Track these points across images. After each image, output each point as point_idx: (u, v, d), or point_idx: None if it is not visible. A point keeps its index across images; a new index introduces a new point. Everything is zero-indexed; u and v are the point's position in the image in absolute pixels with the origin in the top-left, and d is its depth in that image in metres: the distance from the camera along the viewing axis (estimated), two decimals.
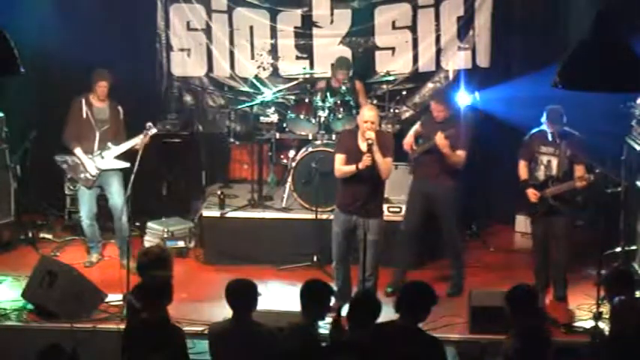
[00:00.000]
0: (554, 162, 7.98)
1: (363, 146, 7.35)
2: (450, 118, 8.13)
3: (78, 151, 8.61)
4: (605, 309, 7.54)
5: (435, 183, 8.12)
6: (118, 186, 8.60)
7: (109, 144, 8.59)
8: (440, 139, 7.90)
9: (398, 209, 8.88)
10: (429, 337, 5.62)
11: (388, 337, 5.55)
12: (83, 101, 8.64)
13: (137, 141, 8.49)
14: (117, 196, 8.58)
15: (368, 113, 7.42)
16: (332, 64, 9.77)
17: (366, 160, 7.29)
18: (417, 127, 8.39)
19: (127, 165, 8.46)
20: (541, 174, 8.04)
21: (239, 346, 5.63)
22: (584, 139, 8.03)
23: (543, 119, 8.03)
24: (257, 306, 5.77)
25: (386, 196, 8.75)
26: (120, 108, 8.78)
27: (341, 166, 7.51)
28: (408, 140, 8.34)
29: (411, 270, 8.38)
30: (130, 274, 7.68)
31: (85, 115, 8.61)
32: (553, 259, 8.13)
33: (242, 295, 5.74)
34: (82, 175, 8.63)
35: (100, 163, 8.59)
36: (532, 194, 7.99)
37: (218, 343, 5.77)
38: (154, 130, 8.57)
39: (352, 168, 7.40)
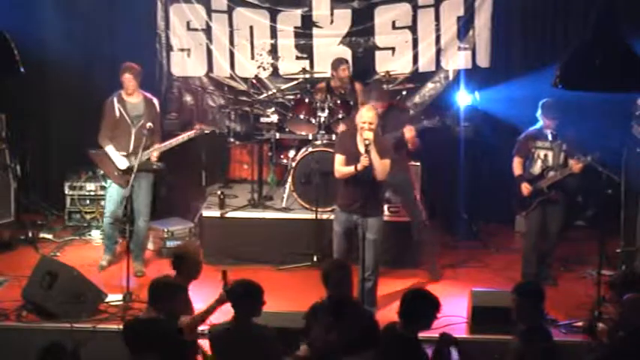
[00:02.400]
0: (550, 155, 8.14)
1: (362, 148, 7.36)
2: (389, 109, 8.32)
3: (109, 148, 8.42)
4: (605, 309, 7.57)
5: (392, 173, 8.01)
6: (147, 187, 8.46)
7: (150, 144, 8.36)
8: (409, 131, 8.09)
9: (398, 209, 8.90)
10: (424, 352, 5.61)
11: (386, 343, 5.55)
12: (115, 100, 8.45)
13: (180, 140, 8.45)
14: (142, 198, 8.45)
15: (366, 114, 7.42)
16: (331, 65, 9.77)
17: (364, 161, 7.29)
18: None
19: (160, 166, 8.43)
20: (537, 168, 8.19)
21: (240, 348, 5.62)
22: (578, 135, 8.16)
23: (538, 114, 8.09)
24: (261, 311, 5.76)
25: (387, 196, 8.80)
26: (155, 101, 8.61)
27: (340, 167, 7.52)
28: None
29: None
30: (131, 274, 7.79)
31: (118, 114, 8.42)
32: (543, 248, 8.32)
33: (244, 298, 5.73)
34: (117, 173, 8.47)
35: (133, 163, 8.30)
36: (525, 188, 8.14)
37: (218, 345, 5.76)
38: (203, 128, 8.63)
39: (351, 169, 7.40)
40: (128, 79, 8.45)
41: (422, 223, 8.59)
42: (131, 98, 8.49)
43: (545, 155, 8.18)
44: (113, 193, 8.57)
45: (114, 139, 8.45)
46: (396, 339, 5.53)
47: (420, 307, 5.60)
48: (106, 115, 8.47)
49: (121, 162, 8.41)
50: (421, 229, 8.59)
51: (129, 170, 8.29)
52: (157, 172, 8.48)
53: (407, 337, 5.52)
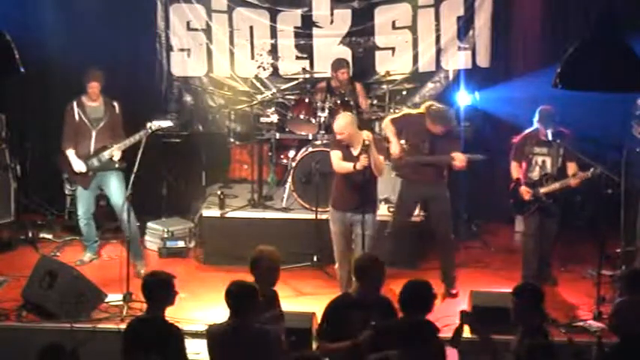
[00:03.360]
0: (549, 161, 8.12)
1: (355, 151, 7.40)
2: (448, 132, 8.11)
3: (69, 152, 8.60)
4: (605, 309, 7.58)
5: (432, 185, 8.16)
6: (117, 185, 8.55)
7: (110, 144, 8.52)
8: (461, 162, 7.97)
9: None
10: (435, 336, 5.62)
11: (394, 333, 5.56)
12: (75, 104, 8.61)
13: (137, 138, 8.40)
14: (116, 196, 8.55)
15: (336, 123, 7.56)
16: (332, 65, 9.78)
17: (363, 161, 7.31)
18: (398, 140, 8.19)
19: (124, 165, 8.45)
20: (536, 174, 8.18)
21: (237, 347, 5.61)
22: (576, 136, 8.15)
23: (535, 119, 8.09)
24: (256, 310, 5.74)
25: (386, 196, 8.80)
26: (115, 103, 8.71)
27: (340, 162, 7.55)
28: (396, 151, 8.18)
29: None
30: (131, 275, 7.78)
31: (77, 118, 8.59)
32: (541, 253, 8.30)
33: (242, 298, 5.71)
34: (79, 175, 8.62)
35: (96, 163, 8.55)
36: (525, 192, 8.11)
37: (216, 345, 5.76)
38: (157, 124, 8.49)
39: (350, 167, 7.43)
40: (95, 87, 8.60)
41: (447, 239, 8.32)
42: (91, 102, 8.64)
43: (544, 161, 8.16)
44: (82, 194, 8.74)
45: (77, 143, 8.59)
46: (403, 327, 5.53)
47: (416, 295, 5.68)
48: (66, 121, 8.65)
49: (78, 165, 8.58)
50: (445, 243, 8.34)
51: (87, 173, 8.55)
52: (121, 171, 8.54)
53: (413, 323, 5.53)
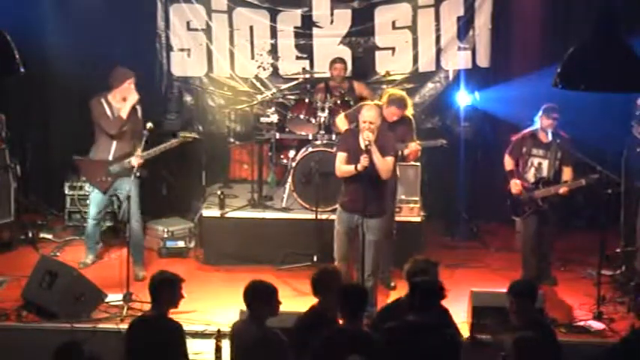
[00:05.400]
0: (545, 164, 8.13)
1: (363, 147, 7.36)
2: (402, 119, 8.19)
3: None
4: (605, 309, 7.59)
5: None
6: (133, 193, 8.34)
7: (132, 151, 8.34)
8: (414, 152, 8.17)
9: (399, 209, 8.86)
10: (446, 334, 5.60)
11: (404, 335, 5.52)
12: (103, 101, 8.36)
13: (162, 149, 8.41)
14: (132, 202, 8.33)
15: (367, 113, 7.40)
16: (329, 64, 9.81)
17: (363, 161, 7.28)
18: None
19: (145, 173, 8.40)
20: (530, 176, 8.19)
21: (247, 345, 5.58)
22: (574, 141, 8.16)
23: (537, 117, 8.09)
24: (276, 311, 5.70)
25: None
26: (138, 107, 8.51)
27: (341, 165, 7.52)
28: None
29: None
30: (131, 278, 7.78)
31: (109, 114, 8.35)
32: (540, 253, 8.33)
33: (255, 297, 5.67)
34: (98, 179, 8.46)
35: (117, 169, 8.38)
36: (514, 185, 8.15)
37: (233, 341, 5.77)
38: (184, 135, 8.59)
39: (351, 168, 7.40)
40: (133, 82, 8.40)
41: (391, 233, 8.30)
42: (117, 103, 8.40)
43: (540, 164, 8.18)
44: (96, 197, 8.59)
45: (98, 143, 8.43)
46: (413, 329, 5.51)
47: (427, 295, 5.62)
48: (98, 114, 8.35)
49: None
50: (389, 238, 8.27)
51: (107, 177, 8.36)
52: (139, 179, 8.40)
53: (423, 324, 5.51)
